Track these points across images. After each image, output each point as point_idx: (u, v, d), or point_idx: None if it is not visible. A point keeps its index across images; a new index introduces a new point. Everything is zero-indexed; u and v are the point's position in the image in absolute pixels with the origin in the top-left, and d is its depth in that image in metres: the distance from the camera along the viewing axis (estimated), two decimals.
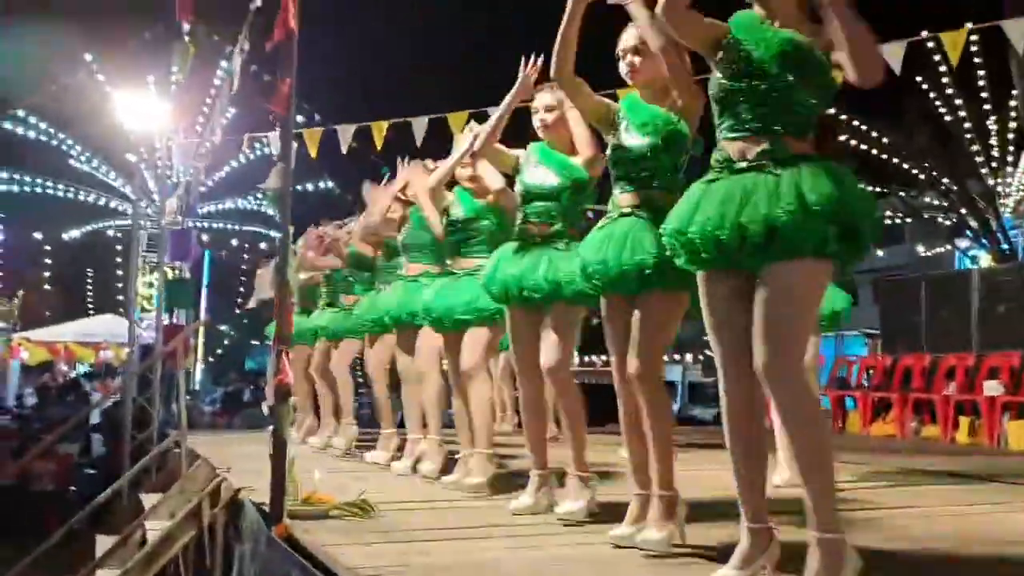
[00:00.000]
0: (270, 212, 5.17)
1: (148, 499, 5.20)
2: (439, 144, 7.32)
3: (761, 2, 2.35)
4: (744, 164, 2.27)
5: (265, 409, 5.87)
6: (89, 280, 30.90)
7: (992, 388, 7.61)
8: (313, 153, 7.97)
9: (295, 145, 8.58)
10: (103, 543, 4.99)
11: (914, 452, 6.72)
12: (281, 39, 3.28)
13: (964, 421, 7.76)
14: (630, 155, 2.88)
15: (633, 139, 2.87)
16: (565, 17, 2.89)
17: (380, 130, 7.59)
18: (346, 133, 7.73)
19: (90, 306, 29.23)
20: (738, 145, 2.30)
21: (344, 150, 7.84)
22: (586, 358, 27.88)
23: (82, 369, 23.65)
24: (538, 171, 3.36)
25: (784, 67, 2.26)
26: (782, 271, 2.20)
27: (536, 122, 3.42)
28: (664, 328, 2.82)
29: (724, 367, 2.33)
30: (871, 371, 9.52)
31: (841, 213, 2.17)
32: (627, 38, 2.91)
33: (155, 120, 10.37)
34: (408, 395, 4.70)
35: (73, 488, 9.64)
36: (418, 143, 7.33)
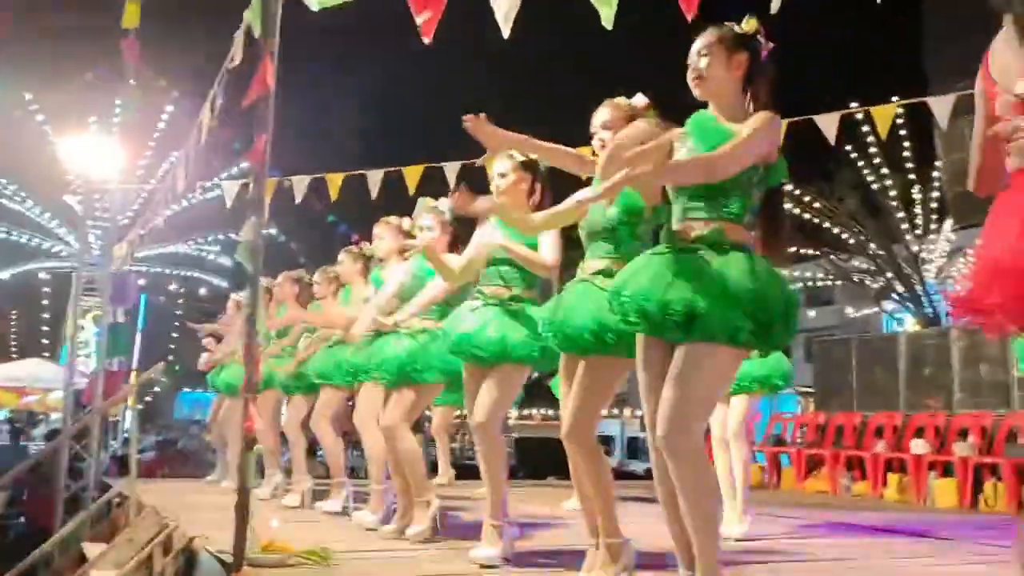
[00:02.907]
0: (242, 262, 5.26)
1: (90, 548, 5.12)
2: (393, 198, 7.49)
3: (712, 100, 2.58)
4: (683, 245, 2.46)
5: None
6: (13, 323, 30.05)
7: (919, 447, 7.94)
8: (266, 202, 8.03)
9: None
10: None
11: (845, 507, 6.96)
12: (258, 96, 3.41)
13: (893, 478, 8.06)
14: (594, 225, 3.10)
15: (601, 210, 3.07)
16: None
17: (335, 183, 7.70)
18: (301, 184, 7.82)
19: (13, 350, 28.41)
20: (682, 226, 2.50)
21: (298, 200, 7.92)
22: (524, 411, 28.01)
23: (2, 415, 22.85)
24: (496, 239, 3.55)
25: None
26: (695, 352, 2.36)
27: (492, 188, 3.62)
28: (597, 391, 2.99)
29: (649, 427, 2.47)
30: (804, 428, 9.82)
31: (758, 309, 2.34)
32: (600, 115, 3.13)
33: (101, 163, 10.29)
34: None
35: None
36: (373, 196, 7.47)
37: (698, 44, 2.58)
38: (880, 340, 9.78)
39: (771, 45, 2.58)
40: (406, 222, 4.60)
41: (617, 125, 3.06)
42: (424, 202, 4.40)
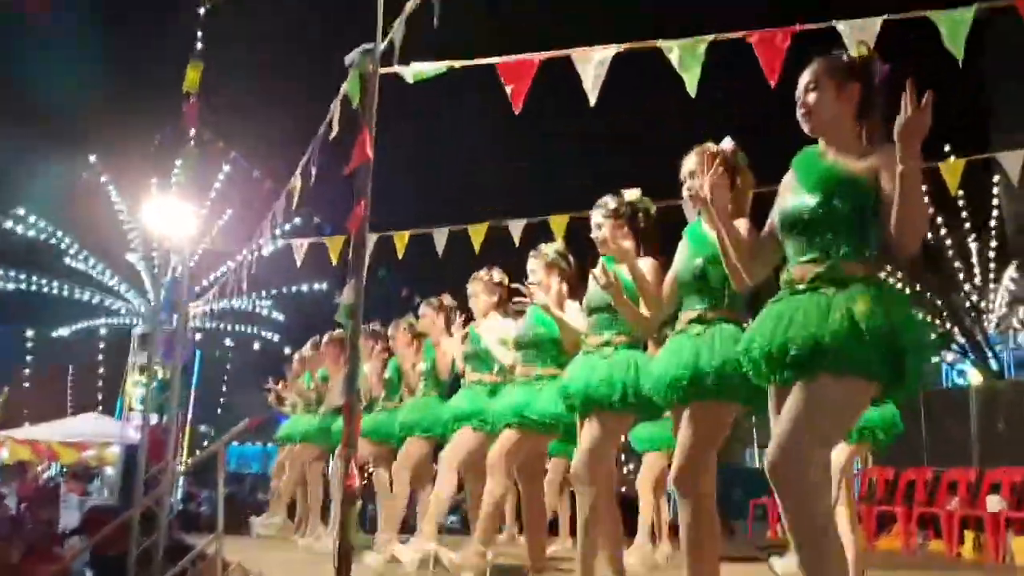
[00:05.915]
0: (341, 323, 5.35)
1: None
2: (458, 256, 7.61)
3: (822, 136, 2.48)
4: (802, 287, 2.36)
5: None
6: (71, 379, 30.69)
7: (995, 503, 7.73)
8: (334, 260, 8.19)
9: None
10: None
11: (922, 567, 6.79)
12: (358, 164, 3.56)
13: (968, 536, 7.84)
14: (684, 276, 3.13)
15: (689, 261, 3.12)
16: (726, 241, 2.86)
17: (402, 240, 7.84)
18: (369, 242, 7.95)
19: (71, 406, 28.96)
20: (797, 270, 2.40)
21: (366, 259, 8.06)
22: None
23: (55, 469, 23.14)
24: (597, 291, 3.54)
25: (826, 193, 2.36)
26: (824, 380, 2.23)
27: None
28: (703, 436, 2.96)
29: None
30: (873, 483, 9.61)
31: (887, 341, 2.21)
32: (688, 163, 3.12)
33: (165, 222, 10.53)
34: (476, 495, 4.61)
35: None
36: (439, 254, 7.58)
37: (805, 77, 2.48)
38: (950, 393, 9.62)
39: (887, 68, 2.42)
40: (496, 274, 4.63)
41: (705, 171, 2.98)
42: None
